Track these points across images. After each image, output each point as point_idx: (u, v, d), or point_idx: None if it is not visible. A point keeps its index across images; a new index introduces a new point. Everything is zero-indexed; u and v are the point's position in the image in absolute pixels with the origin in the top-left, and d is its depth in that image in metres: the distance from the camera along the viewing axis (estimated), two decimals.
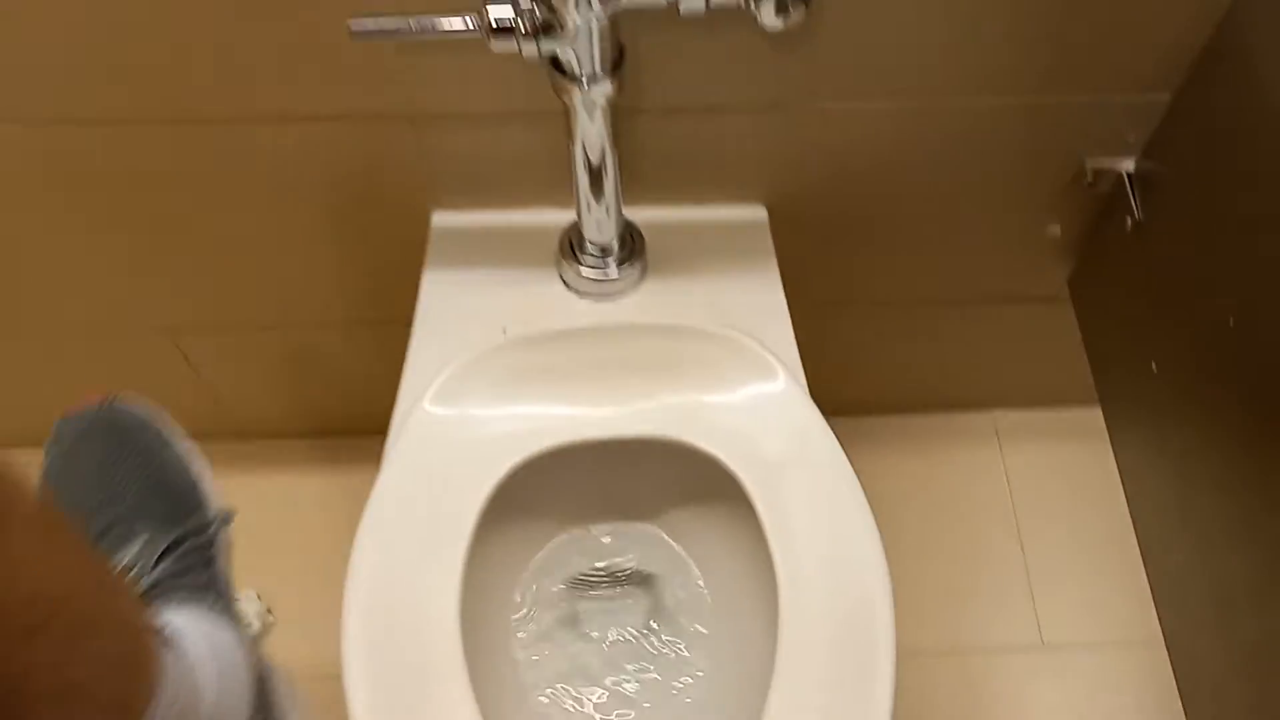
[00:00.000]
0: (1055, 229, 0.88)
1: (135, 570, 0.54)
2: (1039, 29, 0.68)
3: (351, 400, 1.08)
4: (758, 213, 0.83)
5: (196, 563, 0.57)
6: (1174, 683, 0.79)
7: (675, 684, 0.77)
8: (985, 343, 1.06)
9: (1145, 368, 0.83)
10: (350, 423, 1.11)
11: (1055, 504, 1.15)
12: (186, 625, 0.52)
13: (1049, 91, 0.74)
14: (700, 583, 0.81)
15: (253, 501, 1.10)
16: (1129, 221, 0.81)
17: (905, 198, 0.85)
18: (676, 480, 0.77)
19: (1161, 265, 0.79)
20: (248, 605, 1.04)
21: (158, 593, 0.54)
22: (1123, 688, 1.03)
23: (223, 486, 1.09)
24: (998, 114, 0.76)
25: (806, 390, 0.73)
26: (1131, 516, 0.87)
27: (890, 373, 1.09)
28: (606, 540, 0.83)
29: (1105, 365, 0.91)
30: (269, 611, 1.05)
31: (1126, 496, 0.88)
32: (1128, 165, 0.80)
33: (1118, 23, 0.68)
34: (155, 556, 0.55)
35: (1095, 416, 1.07)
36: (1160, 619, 0.81)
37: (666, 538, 0.83)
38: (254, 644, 0.58)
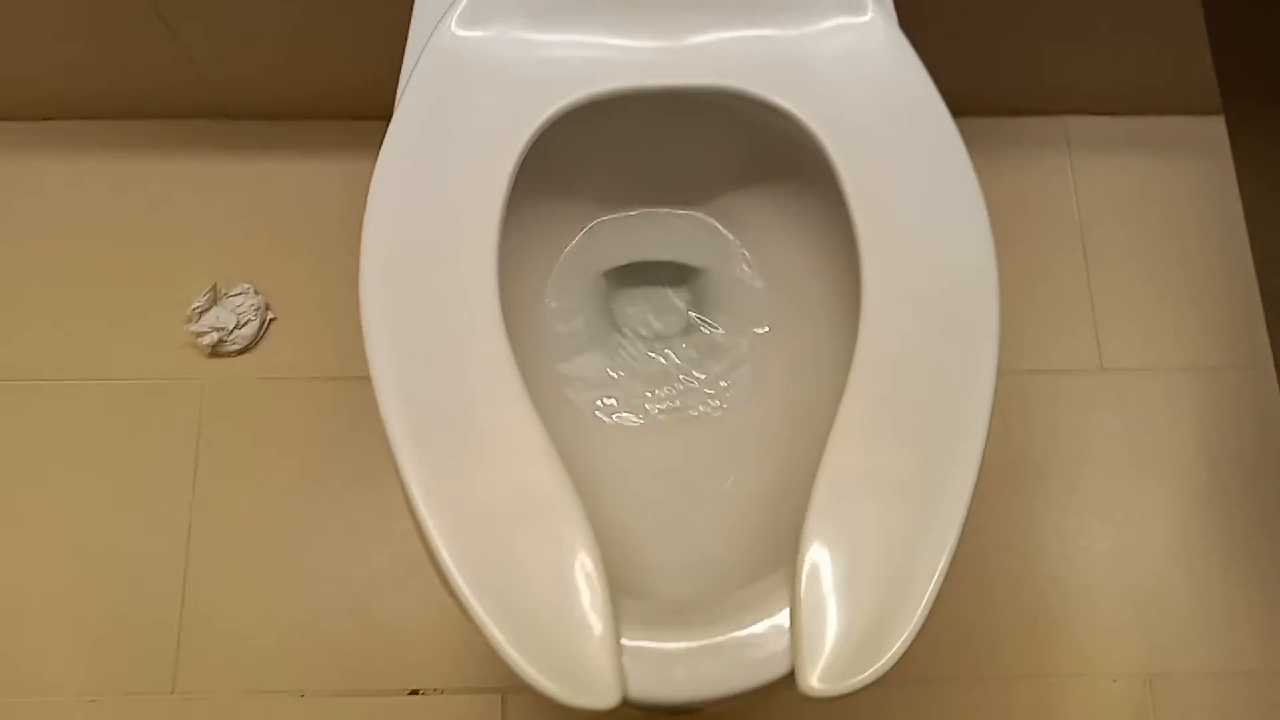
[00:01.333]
0: None
1: None
2: None
3: (349, 72, 0.94)
4: None
5: None
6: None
7: (722, 381, 0.69)
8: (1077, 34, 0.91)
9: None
10: (344, 102, 0.98)
11: (1160, 219, 1.04)
12: None
13: None
14: (756, 279, 0.71)
15: (244, 188, 1.00)
16: None
17: None
18: (738, 147, 0.65)
19: None
20: (244, 299, 0.95)
21: None
22: (1184, 414, 0.96)
23: (208, 169, 0.99)
24: None
25: (904, 43, 0.60)
26: (1250, 231, 0.75)
27: (972, 64, 0.94)
28: (648, 226, 0.72)
29: (1230, 46, 0.77)
30: (267, 307, 0.96)
31: (1245, 206, 0.76)
32: None
33: None
34: None
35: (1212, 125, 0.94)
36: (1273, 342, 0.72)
37: (719, 225, 0.72)
38: None
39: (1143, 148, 1.06)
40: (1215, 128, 0.88)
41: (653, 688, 0.45)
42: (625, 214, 0.72)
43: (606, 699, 0.44)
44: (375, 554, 0.89)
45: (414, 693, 0.85)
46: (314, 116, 1.02)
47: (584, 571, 0.46)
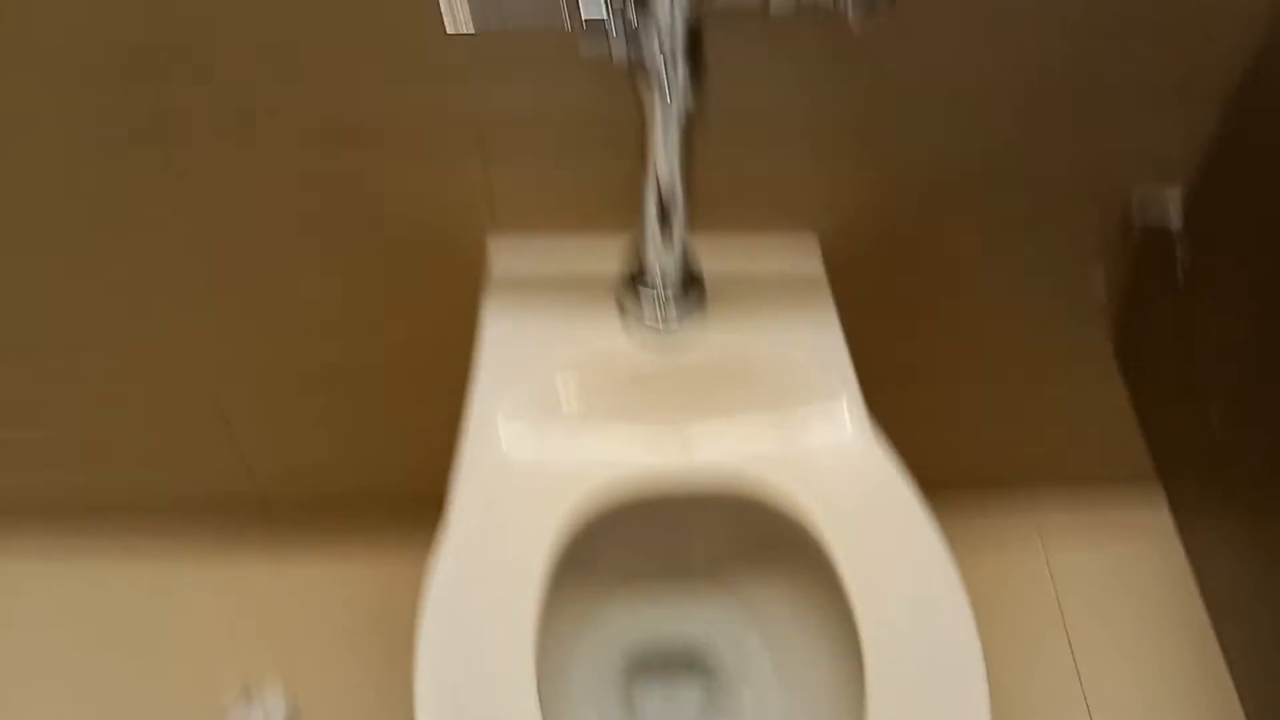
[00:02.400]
0: (1100, 285, 0.88)
1: None
2: (1086, 47, 0.70)
3: (388, 477, 1.05)
4: (810, 241, 0.83)
5: None
6: None
7: None
8: (1030, 415, 1.05)
9: (1203, 432, 0.81)
10: (383, 505, 1.09)
11: (1103, 594, 1.11)
12: None
13: (1098, 109, 0.75)
14: (764, 653, 0.77)
15: (276, 589, 1.07)
16: (1177, 278, 0.81)
17: (954, 238, 0.85)
18: (743, 535, 0.74)
19: (1211, 322, 0.79)
20: (273, 700, 0.98)
21: None
22: None
23: (248, 573, 1.06)
24: (1047, 140, 0.77)
25: (877, 436, 0.72)
26: (1202, 590, 0.83)
27: (933, 446, 1.06)
28: (665, 603, 0.80)
29: (1159, 433, 0.89)
30: (297, 709, 0.99)
31: (1195, 573, 0.84)
32: (1172, 217, 0.80)
33: (1162, 39, 0.70)
34: None
35: (1142, 495, 1.05)
36: (1243, 705, 0.76)
37: (730, 602, 0.80)
38: None
39: (1108, 515, 1.15)
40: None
41: None
42: (644, 594, 0.80)
43: None
44: None
45: None
46: (348, 513, 1.11)
47: None
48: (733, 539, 0.76)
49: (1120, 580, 1.12)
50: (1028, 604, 1.11)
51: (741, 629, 0.79)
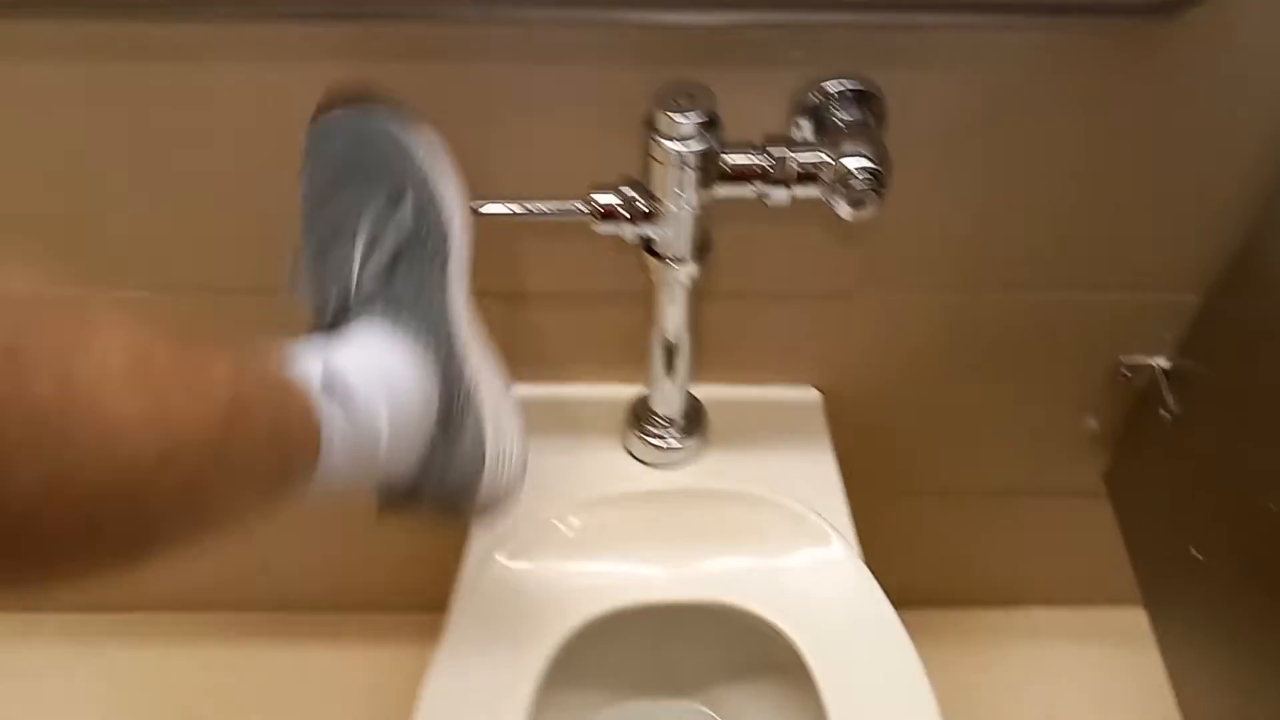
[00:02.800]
0: (1093, 422, 0.93)
1: (349, 270, 0.53)
2: (1072, 233, 0.76)
3: (398, 576, 1.09)
4: (811, 394, 0.88)
5: (415, 269, 0.55)
6: None
7: None
8: (1024, 540, 1.08)
9: (1188, 558, 0.84)
10: (391, 598, 1.12)
11: (1092, 706, 1.13)
12: (355, 360, 0.49)
13: (1084, 289, 0.80)
14: None
15: (286, 676, 1.11)
16: (1165, 415, 0.85)
17: (949, 389, 0.90)
18: (729, 649, 0.78)
19: (1199, 457, 0.83)
20: None
21: (358, 299, 0.53)
22: None
23: (255, 659, 1.10)
24: (1036, 309, 0.82)
25: (862, 559, 0.76)
26: (1183, 712, 0.86)
27: (929, 566, 1.10)
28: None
29: (1146, 558, 0.93)
30: None
31: (1176, 696, 0.87)
32: (1162, 361, 0.85)
33: (1143, 232, 0.75)
34: (368, 258, 0.53)
35: (1135, 616, 1.08)
36: None
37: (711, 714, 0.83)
38: (444, 354, 0.54)
39: (1106, 637, 1.17)
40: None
41: None
42: (634, 709, 0.83)
43: None
44: None
45: None
46: (349, 610, 1.15)
47: None
48: (721, 658, 0.80)
49: (1101, 685, 1.14)
50: (1008, 705, 1.13)
51: None
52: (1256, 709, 0.76)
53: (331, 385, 0.46)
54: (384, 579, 1.11)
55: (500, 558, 0.74)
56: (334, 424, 0.45)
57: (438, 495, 0.56)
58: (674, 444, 0.81)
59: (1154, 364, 0.85)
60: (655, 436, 0.81)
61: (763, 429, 0.85)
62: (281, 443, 0.42)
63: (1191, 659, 0.87)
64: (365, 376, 0.48)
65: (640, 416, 0.82)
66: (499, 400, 0.59)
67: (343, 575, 1.11)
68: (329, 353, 0.49)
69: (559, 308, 0.81)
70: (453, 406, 0.55)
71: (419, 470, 0.54)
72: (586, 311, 0.81)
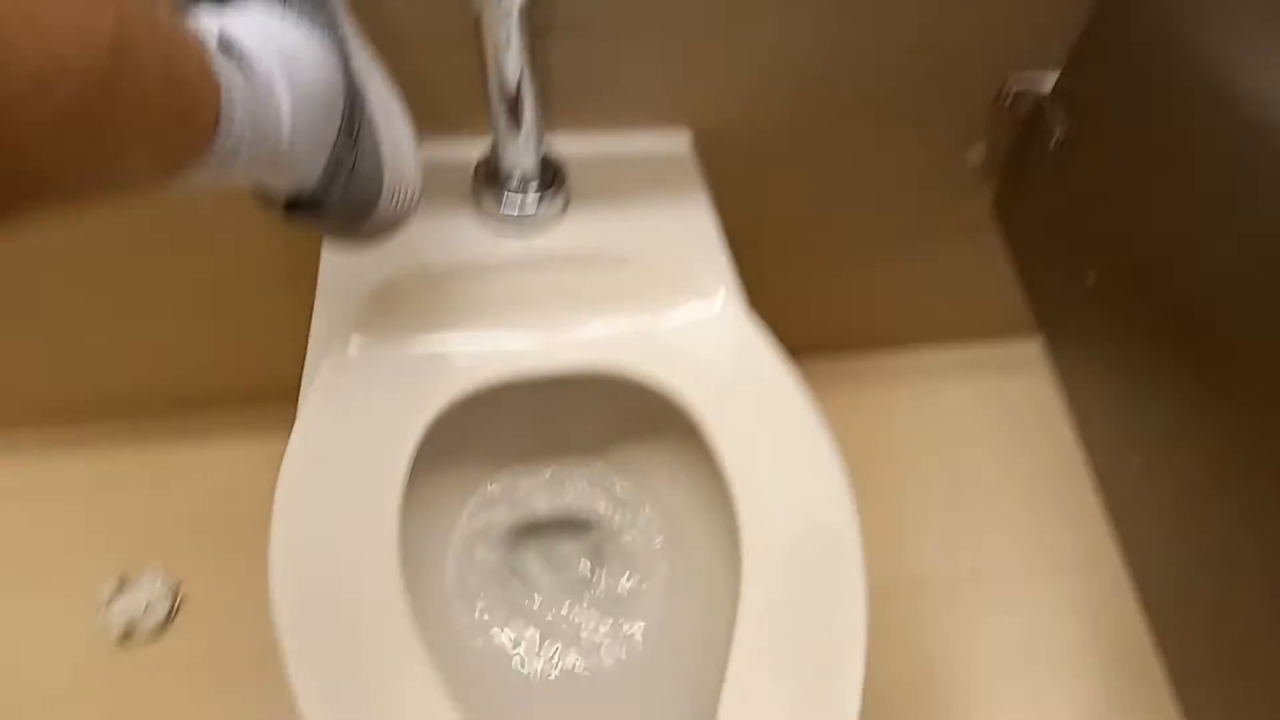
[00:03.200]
0: (978, 151, 0.87)
1: None
2: None
3: (260, 362, 1.00)
4: (682, 139, 0.80)
5: None
6: (1126, 598, 0.78)
7: (625, 630, 0.72)
8: (914, 280, 1.04)
9: (1080, 281, 0.81)
10: (258, 386, 1.04)
11: (990, 438, 1.14)
12: (250, 29, 0.45)
13: (968, 5, 0.73)
14: (648, 524, 0.77)
15: (154, 476, 1.03)
16: (1051, 139, 0.80)
17: (828, 117, 0.82)
18: (617, 414, 0.72)
19: (1087, 180, 0.78)
20: (154, 584, 0.96)
21: None
22: (1074, 609, 1.02)
23: (115, 458, 1.01)
24: (921, 30, 0.74)
25: (748, 311, 0.69)
26: (1079, 432, 0.85)
27: (818, 314, 1.06)
28: (545, 481, 0.78)
29: (1038, 286, 0.90)
30: (177, 592, 0.97)
31: (1072, 413, 0.87)
32: (1046, 85, 0.79)
33: None
34: None
35: (1026, 348, 1.07)
36: (1118, 531, 0.80)
37: (610, 476, 0.78)
38: (346, 48, 0.50)
39: (997, 370, 1.17)
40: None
41: None
42: (521, 471, 0.78)
43: None
44: None
45: None
46: (213, 405, 1.07)
47: None
48: (609, 426, 0.75)
49: (997, 417, 1.15)
50: (907, 445, 1.13)
51: (620, 489, 0.78)
52: (1149, 424, 0.75)
53: (229, 47, 0.42)
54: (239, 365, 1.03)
55: (353, 334, 0.65)
56: (234, 86, 0.41)
57: (342, 202, 0.52)
58: (530, 204, 0.72)
59: (1040, 89, 0.79)
60: (509, 196, 0.72)
61: (632, 178, 0.77)
62: (178, 91, 0.38)
63: (1086, 380, 0.86)
64: (265, 49, 0.44)
65: (491, 177, 0.72)
66: (388, 105, 0.56)
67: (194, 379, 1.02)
68: (222, 20, 0.44)
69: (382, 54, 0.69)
70: (354, 108, 0.51)
71: (325, 176, 0.50)
72: (410, 58, 0.70)
